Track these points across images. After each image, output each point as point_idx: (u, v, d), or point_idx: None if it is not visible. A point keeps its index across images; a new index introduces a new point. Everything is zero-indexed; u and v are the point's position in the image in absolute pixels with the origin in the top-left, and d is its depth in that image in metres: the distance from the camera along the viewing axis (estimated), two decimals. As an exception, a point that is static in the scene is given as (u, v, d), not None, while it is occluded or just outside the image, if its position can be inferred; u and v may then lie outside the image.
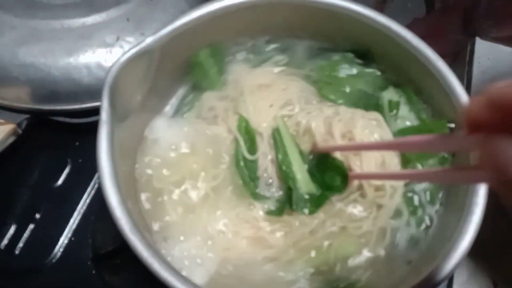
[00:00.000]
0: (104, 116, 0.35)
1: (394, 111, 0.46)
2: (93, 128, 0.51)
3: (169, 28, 0.40)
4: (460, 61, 0.70)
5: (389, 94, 0.48)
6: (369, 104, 0.47)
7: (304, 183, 0.42)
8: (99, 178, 0.33)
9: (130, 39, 0.49)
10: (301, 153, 0.43)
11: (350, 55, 0.49)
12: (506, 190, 0.24)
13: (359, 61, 0.49)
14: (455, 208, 0.38)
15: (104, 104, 0.35)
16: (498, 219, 0.45)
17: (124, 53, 0.37)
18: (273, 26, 0.48)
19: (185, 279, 0.30)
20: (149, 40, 0.39)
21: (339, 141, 0.42)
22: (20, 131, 0.49)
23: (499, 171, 0.23)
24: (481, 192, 0.35)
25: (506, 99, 0.22)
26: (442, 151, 0.44)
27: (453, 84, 0.41)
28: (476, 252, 0.35)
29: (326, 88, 0.48)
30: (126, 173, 0.40)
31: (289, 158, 0.43)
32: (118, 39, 0.49)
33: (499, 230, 0.48)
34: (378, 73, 0.48)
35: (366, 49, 0.48)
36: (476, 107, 0.24)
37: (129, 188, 0.39)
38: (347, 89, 0.47)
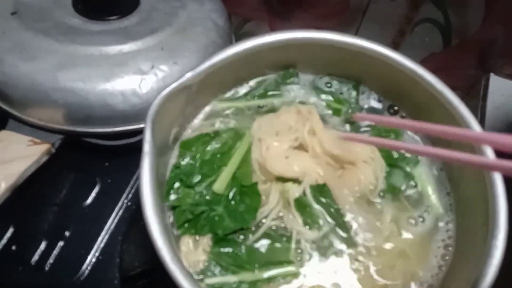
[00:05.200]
0: (147, 147, 0.37)
1: None
2: (122, 150, 0.55)
3: (207, 64, 0.43)
4: (474, 95, 0.73)
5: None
6: None
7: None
8: (142, 209, 0.35)
9: (164, 67, 0.51)
10: None
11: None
12: None
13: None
14: (470, 253, 0.40)
15: (147, 136, 0.37)
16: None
17: (166, 87, 0.40)
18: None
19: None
20: (188, 75, 0.41)
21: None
22: (53, 151, 0.51)
23: None
24: (500, 235, 0.37)
25: None
26: None
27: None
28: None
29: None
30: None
31: None
32: (152, 67, 0.51)
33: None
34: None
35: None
36: None
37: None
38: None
